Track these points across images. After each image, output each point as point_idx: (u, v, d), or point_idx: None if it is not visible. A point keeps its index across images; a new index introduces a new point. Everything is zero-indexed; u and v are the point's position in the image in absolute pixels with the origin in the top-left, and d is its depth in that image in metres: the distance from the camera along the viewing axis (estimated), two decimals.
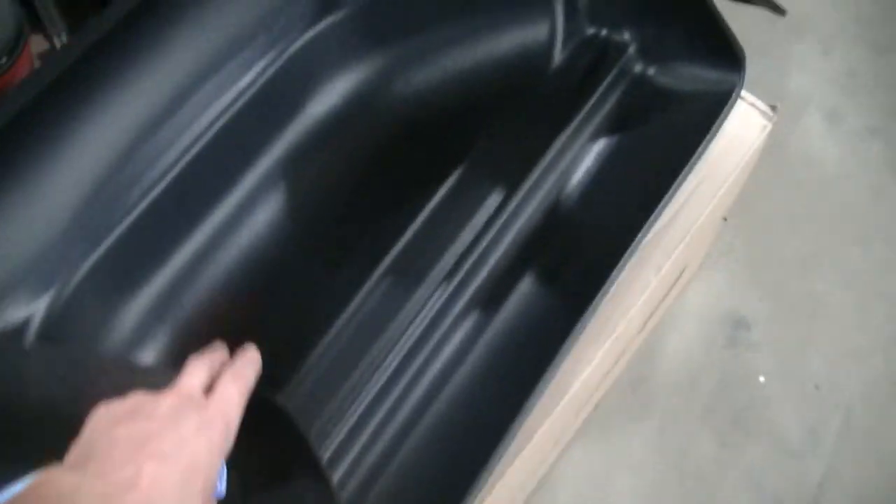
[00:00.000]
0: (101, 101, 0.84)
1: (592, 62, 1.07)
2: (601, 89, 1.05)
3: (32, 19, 1.17)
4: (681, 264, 1.11)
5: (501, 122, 1.04)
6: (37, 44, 1.10)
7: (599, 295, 0.83)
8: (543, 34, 1.05)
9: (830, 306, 1.34)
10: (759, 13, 1.01)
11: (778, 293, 1.34)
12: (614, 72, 1.06)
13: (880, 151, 1.48)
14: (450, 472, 0.81)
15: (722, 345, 1.29)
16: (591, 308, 0.84)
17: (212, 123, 0.91)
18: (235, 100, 0.94)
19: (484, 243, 0.94)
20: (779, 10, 0.88)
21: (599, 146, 1.04)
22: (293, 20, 0.97)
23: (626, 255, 0.85)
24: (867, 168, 1.46)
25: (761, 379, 1.27)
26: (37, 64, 1.05)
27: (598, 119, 1.04)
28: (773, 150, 1.38)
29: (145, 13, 0.81)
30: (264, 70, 0.95)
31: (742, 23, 0.90)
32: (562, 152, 1.01)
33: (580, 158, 1.03)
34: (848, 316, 1.34)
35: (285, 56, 0.96)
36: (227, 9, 0.92)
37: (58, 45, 1.17)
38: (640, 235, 0.87)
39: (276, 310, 0.93)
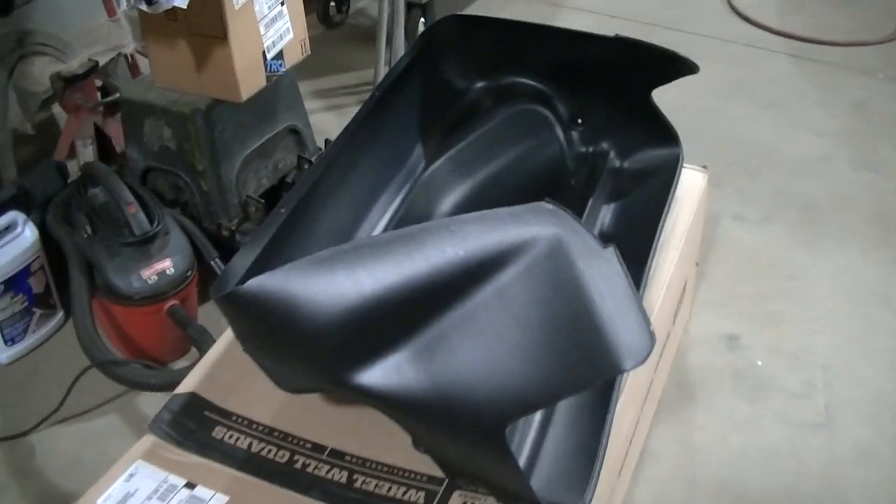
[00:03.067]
0: (329, 202, 1.43)
1: (591, 167, 1.73)
2: (600, 183, 1.70)
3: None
4: (682, 276, 1.69)
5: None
6: None
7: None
8: (557, 153, 1.72)
9: (784, 316, 1.92)
10: None
11: (748, 316, 1.92)
12: (605, 171, 1.72)
13: (776, 229, 2.15)
14: None
15: (726, 351, 1.85)
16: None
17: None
18: (393, 216, 1.54)
19: None
20: (693, 68, 1.52)
21: (609, 209, 1.67)
22: (416, 165, 1.61)
23: (653, 248, 1.43)
24: (774, 239, 2.13)
25: (760, 363, 1.82)
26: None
27: (603, 197, 1.68)
28: (712, 243, 2.04)
29: (337, 168, 1.42)
30: (404, 197, 1.56)
31: None
32: (588, 216, 1.62)
33: (600, 219, 1.65)
34: (802, 319, 1.92)
35: (415, 187, 1.58)
36: (378, 164, 1.55)
37: (214, 266, 1.76)
38: (654, 243, 1.45)
39: None
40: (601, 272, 1.05)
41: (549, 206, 1.07)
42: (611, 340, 1.03)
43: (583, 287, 1.05)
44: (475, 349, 1.04)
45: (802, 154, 2.41)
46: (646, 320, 1.03)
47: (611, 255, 1.06)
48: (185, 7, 1.61)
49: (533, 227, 1.07)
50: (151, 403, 1.67)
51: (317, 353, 1.03)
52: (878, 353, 1.83)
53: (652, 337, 1.03)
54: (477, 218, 1.09)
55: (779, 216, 2.19)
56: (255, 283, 0.99)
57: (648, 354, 1.02)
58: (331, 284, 1.00)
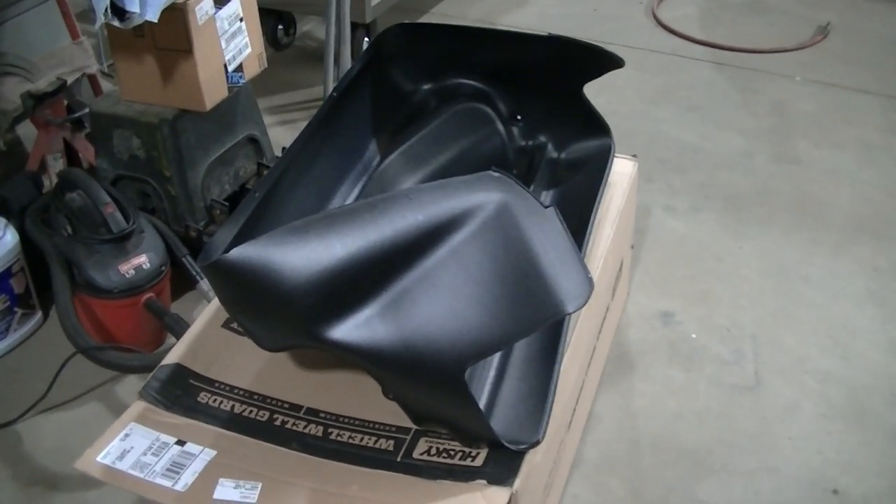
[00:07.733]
0: (296, 190, 1.57)
1: (530, 159, 1.89)
2: (539, 173, 1.86)
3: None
4: (618, 254, 1.85)
5: None
6: None
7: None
8: (499, 146, 1.88)
9: (714, 294, 2.10)
10: None
11: (680, 295, 2.09)
12: (543, 162, 1.88)
13: (704, 218, 2.34)
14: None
15: (661, 326, 2.01)
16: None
17: None
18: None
19: None
20: (619, 61, 1.69)
21: (548, 196, 1.83)
22: (371, 159, 1.76)
23: (590, 225, 1.59)
24: (703, 227, 2.31)
25: (693, 336, 1.98)
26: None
27: (542, 185, 1.84)
28: (645, 232, 2.21)
29: (301, 160, 1.57)
30: (362, 188, 1.71)
31: None
32: None
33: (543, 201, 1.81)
34: (730, 296, 2.09)
35: (371, 180, 1.73)
36: (337, 158, 1.69)
37: (186, 264, 1.89)
38: (591, 221, 1.60)
39: None
40: (543, 229, 1.20)
41: (496, 174, 1.22)
42: (554, 287, 1.18)
43: (527, 242, 1.20)
44: (435, 302, 1.18)
45: (726, 151, 2.61)
46: (585, 269, 1.19)
47: (551, 214, 1.22)
48: (155, 21, 1.74)
49: (482, 192, 1.22)
50: (131, 392, 1.78)
51: (294, 312, 1.15)
52: (800, 323, 2.01)
53: (591, 283, 1.18)
54: (433, 187, 1.24)
55: (706, 206, 2.38)
56: (237, 251, 1.11)
57: (588, 297, 1.18)
58: (305, 250, 1.13)
